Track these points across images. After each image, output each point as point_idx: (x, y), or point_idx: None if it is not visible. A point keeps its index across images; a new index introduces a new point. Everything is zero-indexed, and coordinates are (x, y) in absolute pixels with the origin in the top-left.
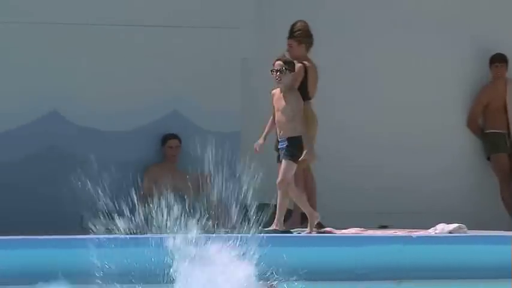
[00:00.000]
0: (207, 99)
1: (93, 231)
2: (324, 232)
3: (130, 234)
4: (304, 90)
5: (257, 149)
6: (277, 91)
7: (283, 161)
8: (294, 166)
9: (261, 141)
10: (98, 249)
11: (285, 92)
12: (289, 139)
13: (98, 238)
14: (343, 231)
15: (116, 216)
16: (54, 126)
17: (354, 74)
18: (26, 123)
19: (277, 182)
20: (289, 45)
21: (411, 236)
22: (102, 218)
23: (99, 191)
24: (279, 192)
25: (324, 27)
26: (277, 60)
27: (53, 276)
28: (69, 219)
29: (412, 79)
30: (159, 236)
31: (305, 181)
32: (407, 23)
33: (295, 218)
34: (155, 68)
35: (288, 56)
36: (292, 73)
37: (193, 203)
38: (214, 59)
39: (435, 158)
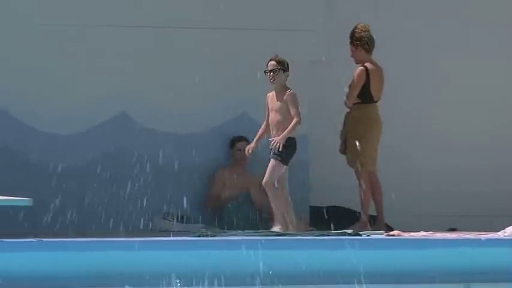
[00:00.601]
0: None
1: (163, 232)
2: (392, 235)
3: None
4: (367, 93)
5: (249, 151)
6: (271, 93)
7: (271, 161)
8: (282, 168)
9: (252, 145)
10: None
11: (280, 92)
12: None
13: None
14: (412, 234)
15: (184, 218)
16: (124, 128)
17: (420, 74)
18: (96, 125)
19: (262, 183)
20: (351, 50)
21: (480, 239)
22: (171, 219)
23: (169, 193)
24: (268, 194)
25: (392, 28)
26: (271, 60)
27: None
28: (140, 221)
29: (479, 77)
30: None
31: (371, 185)
32: (474, 23)
33: (364, 220)
34: (225, 69)
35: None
36: (286, 73)
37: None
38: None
39: (506, 158)
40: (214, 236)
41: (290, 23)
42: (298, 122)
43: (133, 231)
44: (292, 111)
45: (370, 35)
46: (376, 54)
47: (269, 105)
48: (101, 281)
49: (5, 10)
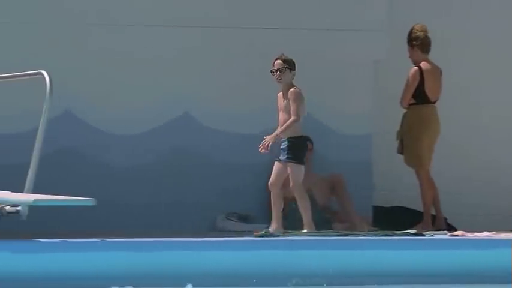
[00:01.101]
0: (339, 102)
1: (227, 232)
2: (456, 235)
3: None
4: (422, 94)
5: (262, 150)
6: (280, 93)
7: (289, 165)
8: (301, 168)
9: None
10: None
11: (286, 91)
12: (290, 139)
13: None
14: (476, 234)
15: (247, 218)
16: (186, 128)
17: (487, 73)
18: (159, 125)
19: (269, 183)
20: (408, 50)
21: None
22: (234, 220)
23: (232, 193)
24: (297, 198)
25: (456, 27)
26: (277, 59)
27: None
28: (203, 221)
29: None
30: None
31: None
32: None
33: (426, 220)
34: None
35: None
36: (293, 71)
37: (326, 205)
38: (347, 61)
39: None
40: (277, 236)
41: (353, 23)
42: (294, 121)
43: (196, 231)
44: (292, 108)
45: (426, 35)
46: (438, 55)
47: (278, 105)
48: (164, 281)
49: (69, 11)
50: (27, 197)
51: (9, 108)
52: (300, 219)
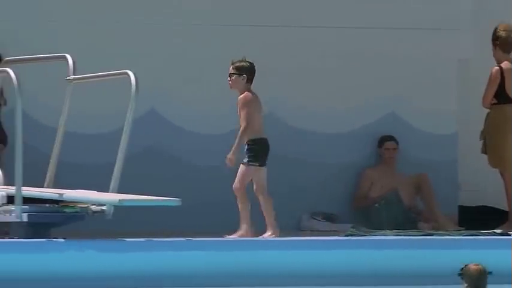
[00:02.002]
0: (425, 101)
1: (312, 231)
2: None
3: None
4: (503, 93)
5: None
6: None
7: (251, 168)
8: (262, 170)
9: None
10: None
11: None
12: (248, 143)
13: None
14: None
15: (332, 217)
16: (271, 127)
17: None
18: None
19: (233, 187)
20: (492, 50)
21: None
22: (320, 219)
23: (317, 192)
24: (260, 200)
25: None
26: (231, 64)
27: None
28: (289, 220)
29: None
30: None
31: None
32: None
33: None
34: (373, 69)
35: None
36: (242, 76)
37: (412, 204)
38: (432, 60)
39: None
40: (362, 235)
41: (438, 22)
42: (244, 129)
43: (281, 230)
44: (241, 116)
45: (509, 35)
46: None
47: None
48: (249, 280)
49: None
50: (112, 197)
51: (95, 108)
52: (386, 219)
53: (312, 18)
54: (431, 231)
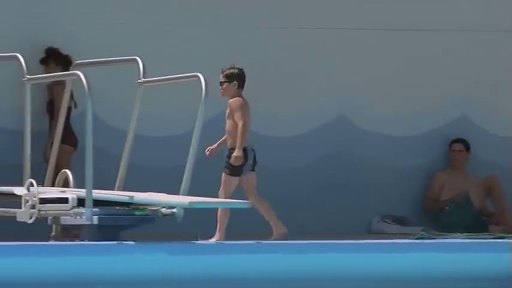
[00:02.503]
0: (494, 103)
1: (381, 234)
2: None
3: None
4: None
5: (208, 152)
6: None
7: (223, 175)
8: (233, 180)
9: (213, 146)
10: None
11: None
12: (230, 150)
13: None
14: None
15: (403, 220)
16: (341, 131)
17: None
18: (315, 127)
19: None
20: None
21: None
22: (390, 222)
23: (387, 195)
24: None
25: None
26: (221, 73)
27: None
28: (359, 223)
29: None
30: None
31: None
32: None
33: None
34: (444, 71)
35: None
36: (233, 83)
37: (483, 207)
38: (503, 62)
39: None
40: (433, 238)
41: (504, 24)
42: (243, 125)
43: (351, 233)
44: (236, 116)
45: None
46: None
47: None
48: (321, 284)
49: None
50: (182, 199)
51: (165, 111)
52: (456, 222)
53: (380, 21)
54: (502, 234)
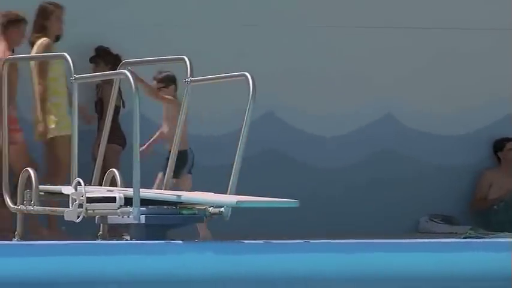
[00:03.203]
0: None
1: (429, 233)
2: None
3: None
4: None
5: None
6: None
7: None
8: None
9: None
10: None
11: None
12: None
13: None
14: None
15: (451, 219)
16: (388, 129)
17: None
18: (362, 126)
19: None
20: None
21: None
22: (438, 221)
23: (435, 194)
24: None
25: None
26: (154, 80)
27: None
28: (407, 222)
29: None
30: None
31: None
32: None
33: None
34: (492, 69)
35: None
36: (171, 86)
37: None
38: None
39: None
40: (481, 237)
41: None
42: (161, 132)
43: (400, 232)
44: (174, 119)
45: None
46: None
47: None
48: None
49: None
50: (230, 199)
51: (213, 110)
52: (505, 221)
53: (426, 19)
54: None
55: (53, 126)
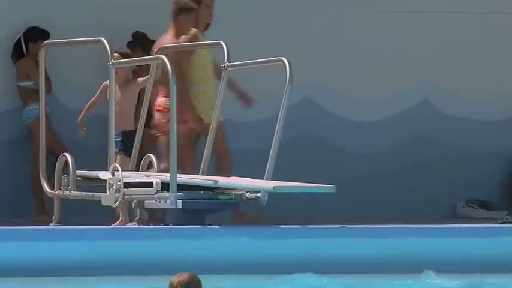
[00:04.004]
0: None
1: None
2: None
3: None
4: None
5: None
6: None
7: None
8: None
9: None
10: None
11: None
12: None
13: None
14: None
15: (489, 204)
16: (425, 115)
17: None
18: (398, 111)
19: None
20: None
21: None
22: (475, 206)
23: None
24: None
25: None
26: (115, 52)
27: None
28: (444, 207)
29: None
30: None
31: None
32: None
33: None
34: None
35: None
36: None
37: None
38: None
39: None
40: None
41: None
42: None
43: (436, 217)
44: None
45: None
46: None
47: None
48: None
49: None
50: (267, 184)
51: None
52: None
53: (469, 4)
54: None
55: (203, 115)
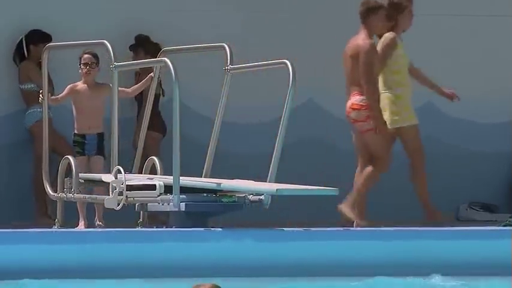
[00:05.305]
0: None
1: (470, 221)
2: None
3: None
4: None
5: None
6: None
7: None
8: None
9: None
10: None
11: (94, 86)
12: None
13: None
14: None
15: (492, 207)
16: (429, 116)
17: None
18: None
19: None
20: None
21: None
22: (478, 209)
23: (475, 182)
24: None
25: None
26: (87, 53)
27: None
28: (446, 210)
29: None
30: None
31: None
32: None
33: None
34: None
35: None
36: (99, 66)
37: None
38: None
39: None
40: None
41: None
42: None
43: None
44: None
45: None
46: None
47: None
48: (409, 269)
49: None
50: (270, 187)
51: (252, 98)
52: None
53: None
54: None
55: (396, 117)
